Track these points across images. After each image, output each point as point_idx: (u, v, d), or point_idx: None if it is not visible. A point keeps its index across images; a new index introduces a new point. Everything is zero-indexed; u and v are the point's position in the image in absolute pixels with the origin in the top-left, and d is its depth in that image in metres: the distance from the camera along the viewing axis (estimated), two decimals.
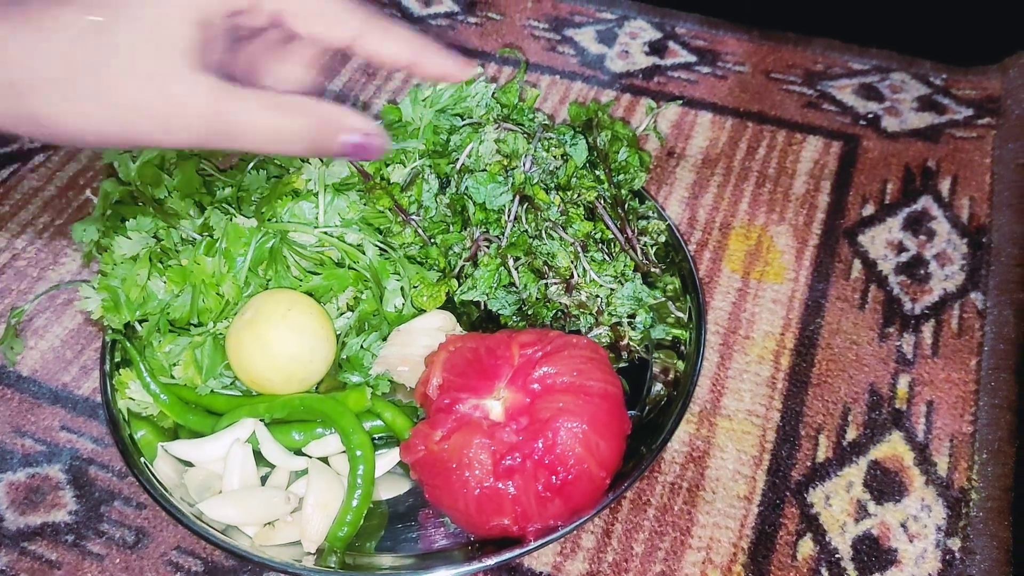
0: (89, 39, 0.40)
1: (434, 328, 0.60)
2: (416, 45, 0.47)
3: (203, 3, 0.42)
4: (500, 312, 0.62)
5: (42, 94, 0.40)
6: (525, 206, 0.62)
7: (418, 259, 0.63)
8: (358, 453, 0.54)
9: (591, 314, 0.61)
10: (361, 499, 0.53)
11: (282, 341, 0.56)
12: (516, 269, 0.62)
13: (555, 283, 0.61)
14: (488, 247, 0.61)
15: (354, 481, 0.54)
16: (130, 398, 0.59)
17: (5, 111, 0.40)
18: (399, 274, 0.61)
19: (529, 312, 0.62)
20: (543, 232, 0.62)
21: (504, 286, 0.62)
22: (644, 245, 0.65)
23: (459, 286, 0.62)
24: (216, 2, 0.42)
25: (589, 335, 0.61)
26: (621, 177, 0.67)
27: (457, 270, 0.62)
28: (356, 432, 0.55)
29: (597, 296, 0.61)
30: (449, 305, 0.63)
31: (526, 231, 0.62)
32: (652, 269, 0.64)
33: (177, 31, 0.41)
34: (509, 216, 0.62)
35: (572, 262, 0.61)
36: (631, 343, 0.61)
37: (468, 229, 0.63)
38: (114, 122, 0.41)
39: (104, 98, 0.41)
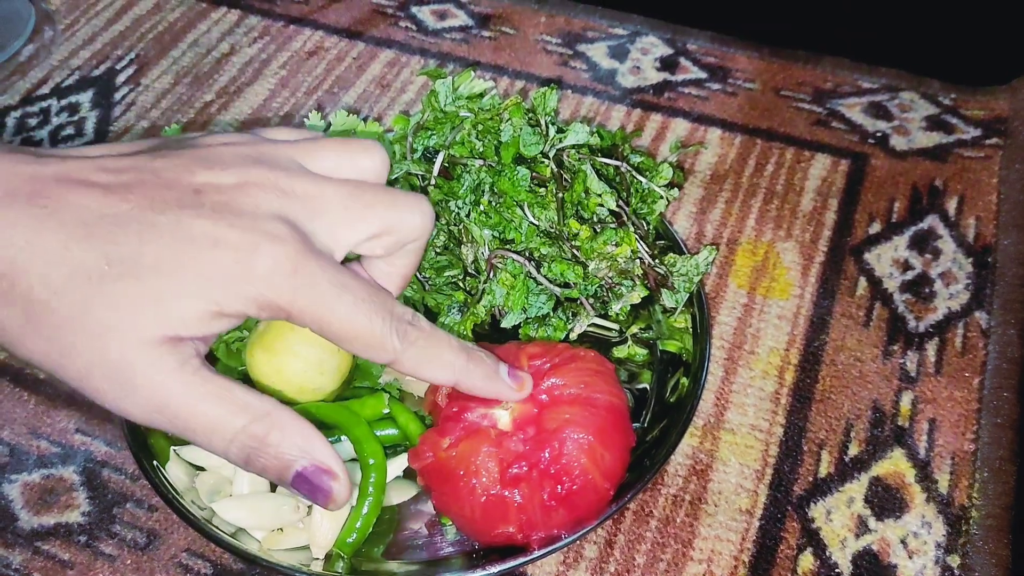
0: (81, 281, 0.38)
1: None
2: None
3: (224, 305, 0.40)
4: (539, 315, 0.62)
5: (6, 306, 0.38)
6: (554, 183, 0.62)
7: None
8: (371, 461, 0.55)
9: (633, 278, 0.61)
10: (372, 507, 0.54)
11: (291, 354, 0.56)
12: (542, 268, 0.61)
13: (598, 257, 0.61)
14: (504, 261, 0.61)
15: (365, 489, 0.55)
16: None
17: None
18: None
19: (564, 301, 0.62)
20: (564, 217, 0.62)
21: (533, 292, 0.62)
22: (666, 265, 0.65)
23: (485, 312, 0.62)
24: (236, 308, 0.40)
25: (631, 292, 0.62)
26: (644, 208, 0.67)
27: (479, 295, 0.62)
28: (369, 441, 0.56)
29: (637, 256, 0.62)
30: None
31: (537, 225, 0.62)
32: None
33: (174, 309, 0.39)
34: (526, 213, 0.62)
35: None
36: (671, 297, 0.63)
37: (470, 247, 0.62)
38: (43, 356, 0.39)
39: (49, 335, 0.39)
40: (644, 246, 0.63)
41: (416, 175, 0.64)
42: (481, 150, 0.64)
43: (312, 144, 0.45)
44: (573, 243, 0.62)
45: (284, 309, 0.40)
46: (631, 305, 0.63)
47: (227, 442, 0.41)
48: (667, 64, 0.89)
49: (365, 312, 0.42)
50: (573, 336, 0.63)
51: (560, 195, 0.62)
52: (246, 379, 0.61)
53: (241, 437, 0.41)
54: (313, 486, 0.42)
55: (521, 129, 0.63)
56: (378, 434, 0.58)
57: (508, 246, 0.62)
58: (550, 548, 0.53)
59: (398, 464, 0.58)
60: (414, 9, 0.96)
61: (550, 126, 0.65)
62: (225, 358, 0.60)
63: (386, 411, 0.58)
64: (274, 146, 0.44)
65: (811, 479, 0.61)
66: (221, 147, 0.43)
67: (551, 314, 0.62)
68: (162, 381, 0.39)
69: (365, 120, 0.71)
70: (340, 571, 0.53)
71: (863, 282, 0.71)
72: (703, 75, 0.88)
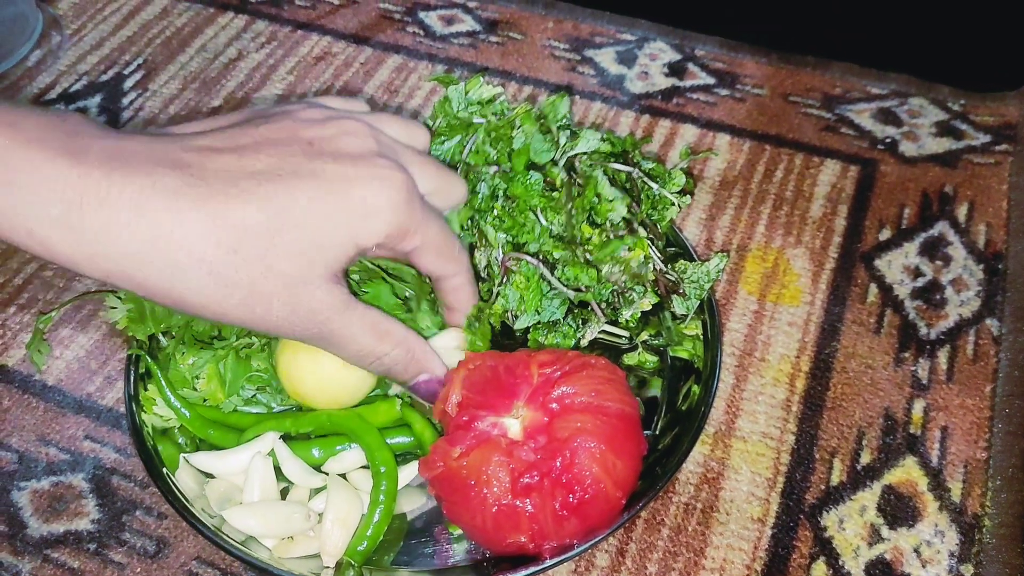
0: (253, 239, 0.43)
1: (452, 348, 0.60)
2: (468, 298, 0.57)
3: (364, 239, 0.46)
4: (552, 319, 0.62)
5: (191, 276, 0.42)
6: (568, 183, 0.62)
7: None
8: (382, 469, 0.55)
9: (645, 283, 0.61)
10: (382, 515, 0.54)
11: (336, 365, 0.56)
12: (555, 271, 0.61)
13: (613, 261, 0.61)
14: (518, 264, 0.61)
15: (376, 497, 0.54)
16: (157, 415, 0.59)
17: (147, 280, 0.42)
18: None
19: (576, 307, 0.62)
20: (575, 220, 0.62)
21: (547, 296, 0.62)
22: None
23: (498, 316, 0.62)
24: (374, 239, 0.47)
25: (643, 298, 0.62)
26: (655, 215, 0.67)
27: (493, 299, 0.62)
28: (380, 449, 0.56)
29: (649, 261, 0.62)
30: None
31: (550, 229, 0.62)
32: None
33: (333, 251, 0.46)
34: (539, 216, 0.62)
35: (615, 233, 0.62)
36: (681, 303, 0.63)
37: (483, 250, 0.62)
38: (242, 310, 0.45)
39: (243, 292, 0.44)
40: (656, 252, 0.63)
41: None
42: (495, 157, 0.63)
43: (378, 114, 0.53)
44: (585, 247, 0.61)
45: (403, 230, 0.48)
46: (641, 312, 0.63)
47: (371, 361, 0.51)
48: (675, 70, 0.89)
49: (447, 229, 0.53)
50: (583, 343, 0.62)
51: (570, 204, 0.61)
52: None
53: (384, 360, 0.51)
54: (427, 393, 0.55)
55: (532, 137, 0.63)
56: (389, 442, 0.57)
57: (521, 249, 0.62)
58: (562, 557, 0.53)
59: (409, 472, 0.57)
60: (421, 14, 0.96)
61: (561, 133, 0.65)
62: (234, 364, 0.60)
63: (399, 408, 0.58)
64: (348, 112, 0.51)
65: (823, 487, 0.60)
66: (305, 111, 0.49)
67: (561, 320, 0.62)
68: (332, 316, 0.47)
69: None
70: None
71: (874, 289, 0.71)
72: (711, 81, 0.88)
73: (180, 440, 0.60)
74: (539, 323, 0.62)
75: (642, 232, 0.63)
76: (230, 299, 0.43)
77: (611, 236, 0.62)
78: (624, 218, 0.63)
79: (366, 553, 0.54)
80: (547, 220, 0.62)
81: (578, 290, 0.61)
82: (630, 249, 0.61)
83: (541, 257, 0.62)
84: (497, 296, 0.61)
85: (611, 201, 0.62)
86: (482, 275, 0.62)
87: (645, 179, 0.67)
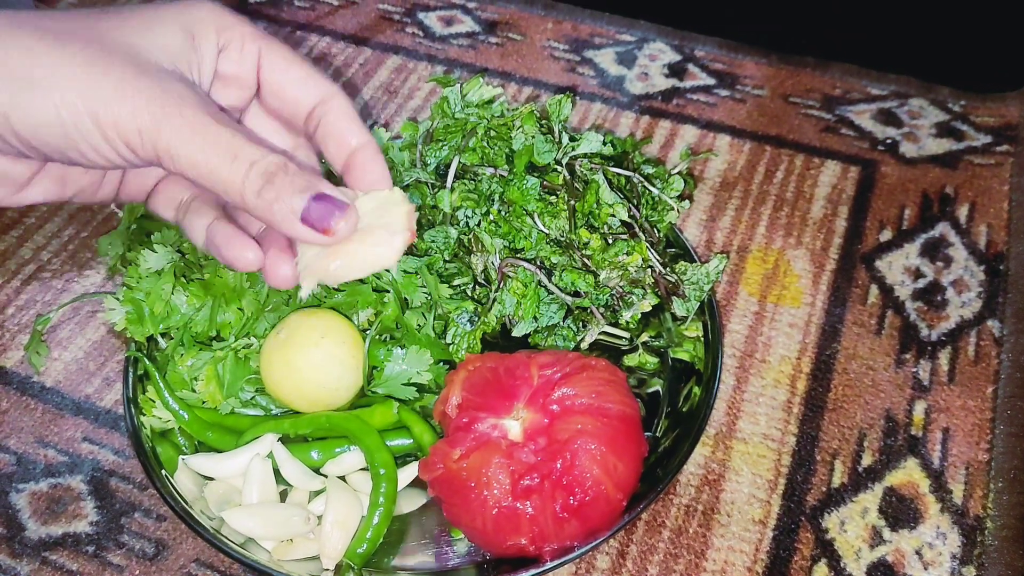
0: (68, 23, 0.39)
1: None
2: (357, 125, 0.46)
3: (193, 19, 0.42)
4: (550, 324, 0.62)
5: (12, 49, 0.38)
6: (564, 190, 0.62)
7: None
8: (381, 471, 0.55)
9: (644, 287, 0.61)
10: (382, 517, 0.54)
11: (311, 368, 0.56)
12: (553, 277, 0.61)
13: (611, 266, 0.60)
14: (515, 270, 0.61)
15: (376, 499, 0.54)
16: (156, 416, 0.59)
17: None
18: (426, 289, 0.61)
19: (576, 311, 0.62)
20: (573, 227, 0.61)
21: (544, 302, 0.62)
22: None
23: (495, 322, 0.62)
24: (208, 20, 0.42)
25: (643, 299, 0.62)
26: (655, 217, 0.67)
27: (490, 304, 0.61)
28: (380, 451, 0.55)
29: (648, 266, 0.61)
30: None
31: (547, 234, 0.62)
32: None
33: (160, 37, 0.40)
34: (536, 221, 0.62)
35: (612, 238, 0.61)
36: (682, 305, 0.63)
37: (480, 256, 0.62)
38: (83, 81, 0.38)
39: (82, 61, 0.38)
40: (655, 254, 0.63)
41: (426, 183, 0.64)
42: (493, 156, 0.63)
43: None
44: (584, 252, 0.61)
45: (217, 14, 0.43)
46: (642, 313, 0.63)
47: (240, 172, 0.39)
48: (675, 70, 0.89)
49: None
50: (584, 345, 0.62)
51: (572, 203, 0.61)
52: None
53: (256, 168, 0.39)
54: (320, 216, 0.40)
55: (534, 137, 0.63)
56: (388, 444, 0.57)
57: (518, 255, 0.62)
58: (562, 559, 0.52)
59: (408, 473, 0.57)
60: (421, 15, 0.96)
61: (563, 134, 0.65)
62: (233, 366, 0.60)
63: (395, 411, 0.58)
64: None
65: (824, 489, 0.60)
66: None
67: (561, 323, 0.62)
68: (184, 99, 0.39)
69: (372, 126, 0.71)
70: None
71: (874, 290, 0.71)
72: (711, 81, 0.88)
73: (180, 442, 0.60)
74: (538, 327, 0.62)
75: (641, 236, 0.63)
76: (70, 71, 0.38)
77: (609, 241, 0.62)
78: (623, 221, 0.63)
79: (366, 555, 0.54)
80: (544, 225, 0.61)
81: (576, 295, 0.61)
82: (628, 254, 0.61)
83: (539, 262, 0.61)
84: (494, 302, 0.61)
85: (611, 205, 0.62)
86: (479, 280, 0.62)
87: (645, 183, 0.66)
